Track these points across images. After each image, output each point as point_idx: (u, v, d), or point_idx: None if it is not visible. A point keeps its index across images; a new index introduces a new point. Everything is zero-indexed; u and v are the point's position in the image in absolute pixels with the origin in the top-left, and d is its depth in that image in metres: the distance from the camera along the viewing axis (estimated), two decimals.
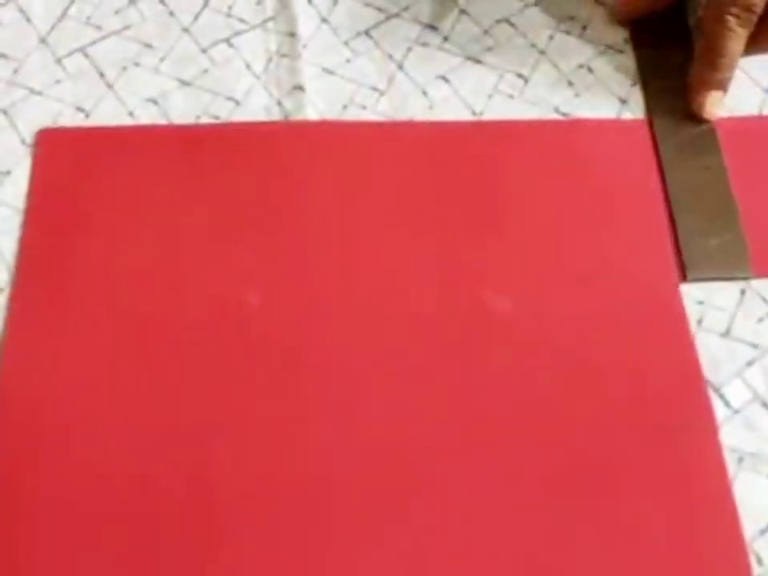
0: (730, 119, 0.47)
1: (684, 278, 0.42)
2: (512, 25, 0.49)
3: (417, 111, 0.47)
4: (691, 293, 0.42)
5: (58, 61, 0.48)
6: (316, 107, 0.47)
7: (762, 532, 0.37)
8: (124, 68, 0.48)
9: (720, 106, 0.46)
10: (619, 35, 0.49)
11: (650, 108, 0.47)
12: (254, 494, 0.37)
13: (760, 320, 0.42)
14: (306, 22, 0.49)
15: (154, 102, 0.47)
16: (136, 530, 0.36)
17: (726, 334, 0.41)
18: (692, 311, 0.42)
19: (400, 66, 0.48)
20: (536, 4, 0.50)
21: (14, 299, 0.41)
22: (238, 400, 0.39)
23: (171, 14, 0.49)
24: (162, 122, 0.46)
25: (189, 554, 0.36)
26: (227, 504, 0.37)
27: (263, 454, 0.38)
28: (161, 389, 0.39)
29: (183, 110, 0.46)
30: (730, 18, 0.45)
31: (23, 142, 0.45)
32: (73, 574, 0.36)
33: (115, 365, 0.39)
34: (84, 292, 0.41)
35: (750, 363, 0.41)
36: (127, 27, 0.49)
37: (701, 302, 0.42)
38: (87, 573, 0.36)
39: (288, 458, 0.38)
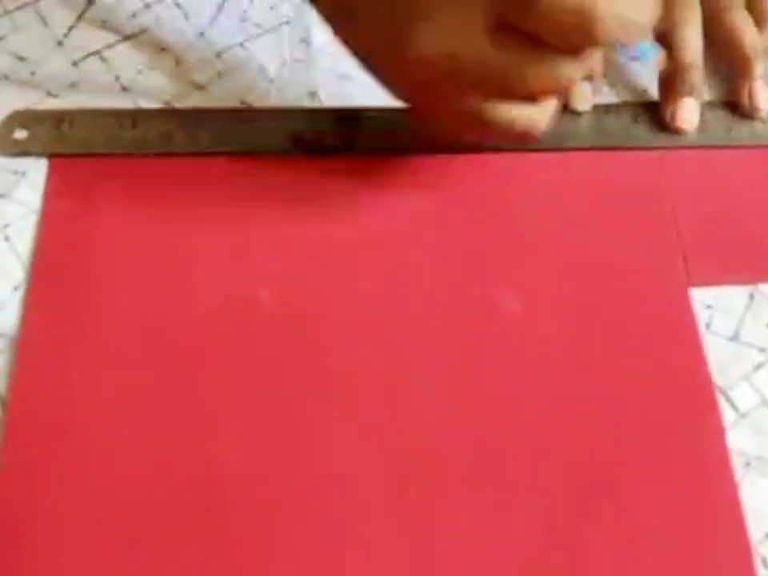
0: None
1: (693, 281, 0.43)
2: None
3: None
4: (700, 296, 0.42)
5: (75, 64, 0.48)
6: None
7: None
8: (139, 71, 0.48)
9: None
10: None
11: None
12: (263, 489, 0.37)
13: None
14: (320, 27, 0.50)
15: (169, 105, 0.47)
16: (148, 525, 0.37)
17: (735, 337, 0.42)
18: (700, 315, 0.42)
19: None
20: None
21: (30, 297, 0.41)
22: (248, 397, 0.39)
23: (186, 17, 0.50)
24: None
25: (199, 550, 0.36)
26: (238, 500, 0.37)
27: (273, 450, 0.38)
28: (172, 385, 0.39)
29: None
30: None
31: None
32: (84, 568, 0.36)
33: (128, 362, 0.40)
34: (99, 290, 0.41)
35: (758, 367, 0.41)
36: (143, 31, 0.49)
37: (709, 306, 0.42)
38: (99, 567, 0.36)
39: (299, 454, 0.38)
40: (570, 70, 0.36)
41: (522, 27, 0.35)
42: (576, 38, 0.35)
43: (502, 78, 0.36)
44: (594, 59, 0.37)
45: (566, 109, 0.46)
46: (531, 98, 0.37)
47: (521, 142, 0.40)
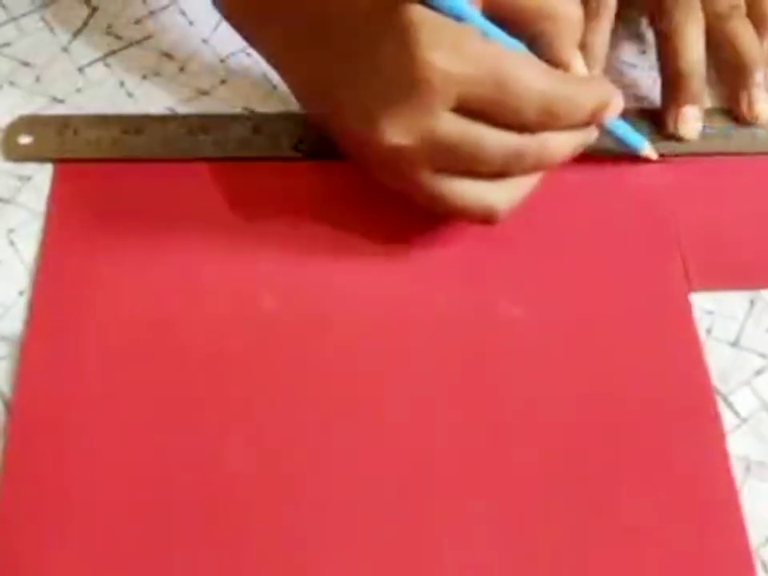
0: None
1: (694, 287, 0.43)
2: None
3: None
4: (701, 302, 0.42)
5: (80, 69, 0.49)
6: None
7: None
8: (144, 77, 0.48)
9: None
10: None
11: None
12: (265, 494, 0.38)
13: None
14: None
15: (173, 110, 0.47)
16: (151, 526, 0.37)
17: (736, 343, 0.42)
18: (701, 320, 0.42)
19: None
20: None
21: (34, 302, 0.41)
22: (251, 401, 0.39)
23: (190, 24, 0.50)
24: None
25: (203, 553, 0.37)
26: (241, 504, 0.37)
27: (276, 455, 0.38)
28: (176, 389, 0.40)
29: None
30: None
31: None
32: (86, 570, 0.36)
33: (132, 366, 0.40)
34: (103, 295, 0.42)
35: (758, 372, 0.41)
36: (147, 37, 0.50)
37: (710, 312, 0.42)
38: (101, 568, 0.36)
39: (302, 458, 0.38)
40: (529, 147, 0.39)
41: (479, 108, 0.37)
42: (540, 118, 0.38)
43: (458, 152, 0.38)
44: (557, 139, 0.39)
45: None
46: (494, 174, 0.39)
47: (480, 222, 0.41)
